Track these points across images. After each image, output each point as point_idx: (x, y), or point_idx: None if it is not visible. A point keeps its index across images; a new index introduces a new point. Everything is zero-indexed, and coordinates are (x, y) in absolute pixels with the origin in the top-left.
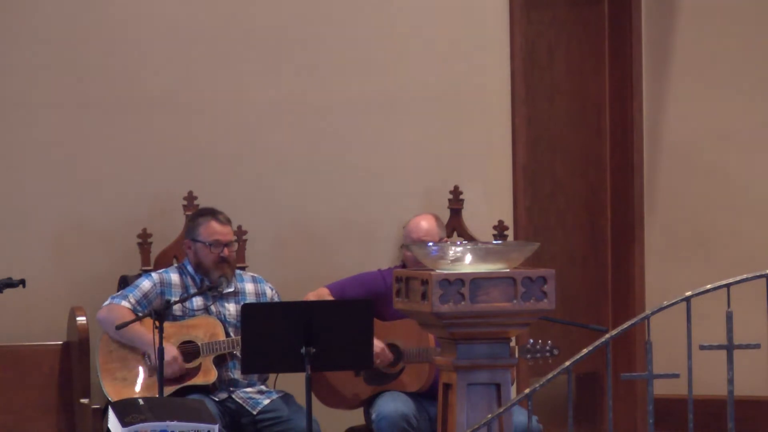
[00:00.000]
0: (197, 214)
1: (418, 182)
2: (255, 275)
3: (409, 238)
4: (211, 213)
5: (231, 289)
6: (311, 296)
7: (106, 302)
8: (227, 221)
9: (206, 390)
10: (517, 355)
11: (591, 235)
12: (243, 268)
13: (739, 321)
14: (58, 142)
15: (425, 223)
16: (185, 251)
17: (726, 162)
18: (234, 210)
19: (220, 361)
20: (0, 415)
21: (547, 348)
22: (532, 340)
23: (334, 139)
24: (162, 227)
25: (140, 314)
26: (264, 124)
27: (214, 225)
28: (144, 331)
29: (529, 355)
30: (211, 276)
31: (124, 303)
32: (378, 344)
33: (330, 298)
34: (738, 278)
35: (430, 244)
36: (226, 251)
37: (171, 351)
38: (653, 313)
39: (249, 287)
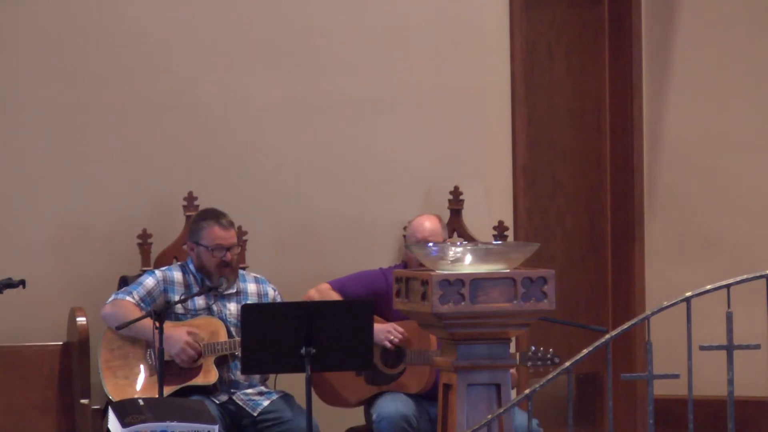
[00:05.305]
0: (200, 217)
1: (418, 182)
2: (258, 276)
3: (413, 238)
4: (215, 217)
5: (233, 290)
6: (313, 292)
7: (110, 299)
8: (230, 225)
9: (206, 391)
10: (518, 362)
11: (591, 235)
12: (243, 269)
13: (739, 321)
14: (59, 142)
15: (429, 224)
16: (188, 252)
17: (726, 162)
18: (234, 210)
19: (222, 362)
20: (0, 415)
21: (549, 356)
22: (533, 348)
23: (334, 139)
24: (162, 227)
25: (143, 312)
26: (264, 124)
27: (217, 230)
28: (150, 324)
29: (530, 363)
30: (213, 279)
31: (129, 298)
32: (382, 327)
33: (332, 293)
34: (738, 278)
35: (430, 244)
36: (228, 255)
37: (180, 338)
38: (653, 314)
39: (251, 288)
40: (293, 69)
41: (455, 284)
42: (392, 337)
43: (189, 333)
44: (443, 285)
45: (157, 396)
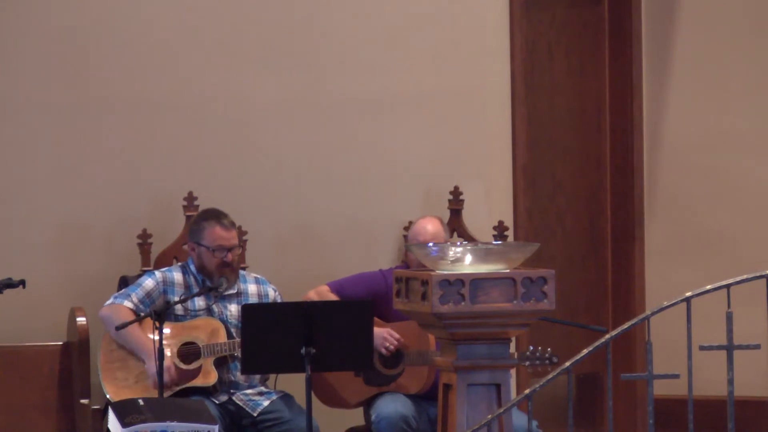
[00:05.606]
0: (202, 217)
1: (418, 182)
2: (258, 276)
3: (415, 241)
4: (216, 217)
5: (234, 291)
6: (312, 294)
7: (109, 301)
8: (231, 225)
9: (206, 392)
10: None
11: (591, 235)
12: (243, 269)
13: (739, 321)
14: (58, 142)
15: (431, 227)
16: (188, 253)
17: (726, 162)
18: (234, 210)
19: (221, 363)
20: (0, 415)
21: (547, 355)
22: (531, 347)
23: (334, 138)
24: (162, 227)
25: (142, 314)
26: (264, 124)
27: (219, 231)
28: (144, 339)
29: (527, 362)
30: (214, 279)
31: (127, 303)
32: (378, 333)
33: (331, 295)
34: (738, 278)
35: (430, 244)
36: (229, 256)
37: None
38: (653, 314)
39: (252, 288)
40: (293, 69)
41: (455, 284)
42: (388, 344)
43: (182, 346)
44: (443, 285)
45: (156, 396)
